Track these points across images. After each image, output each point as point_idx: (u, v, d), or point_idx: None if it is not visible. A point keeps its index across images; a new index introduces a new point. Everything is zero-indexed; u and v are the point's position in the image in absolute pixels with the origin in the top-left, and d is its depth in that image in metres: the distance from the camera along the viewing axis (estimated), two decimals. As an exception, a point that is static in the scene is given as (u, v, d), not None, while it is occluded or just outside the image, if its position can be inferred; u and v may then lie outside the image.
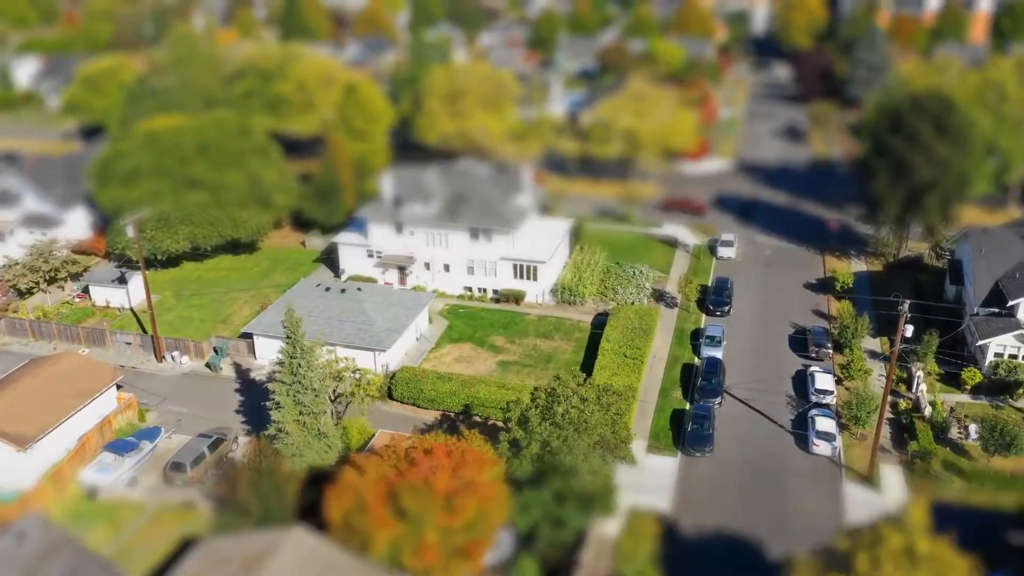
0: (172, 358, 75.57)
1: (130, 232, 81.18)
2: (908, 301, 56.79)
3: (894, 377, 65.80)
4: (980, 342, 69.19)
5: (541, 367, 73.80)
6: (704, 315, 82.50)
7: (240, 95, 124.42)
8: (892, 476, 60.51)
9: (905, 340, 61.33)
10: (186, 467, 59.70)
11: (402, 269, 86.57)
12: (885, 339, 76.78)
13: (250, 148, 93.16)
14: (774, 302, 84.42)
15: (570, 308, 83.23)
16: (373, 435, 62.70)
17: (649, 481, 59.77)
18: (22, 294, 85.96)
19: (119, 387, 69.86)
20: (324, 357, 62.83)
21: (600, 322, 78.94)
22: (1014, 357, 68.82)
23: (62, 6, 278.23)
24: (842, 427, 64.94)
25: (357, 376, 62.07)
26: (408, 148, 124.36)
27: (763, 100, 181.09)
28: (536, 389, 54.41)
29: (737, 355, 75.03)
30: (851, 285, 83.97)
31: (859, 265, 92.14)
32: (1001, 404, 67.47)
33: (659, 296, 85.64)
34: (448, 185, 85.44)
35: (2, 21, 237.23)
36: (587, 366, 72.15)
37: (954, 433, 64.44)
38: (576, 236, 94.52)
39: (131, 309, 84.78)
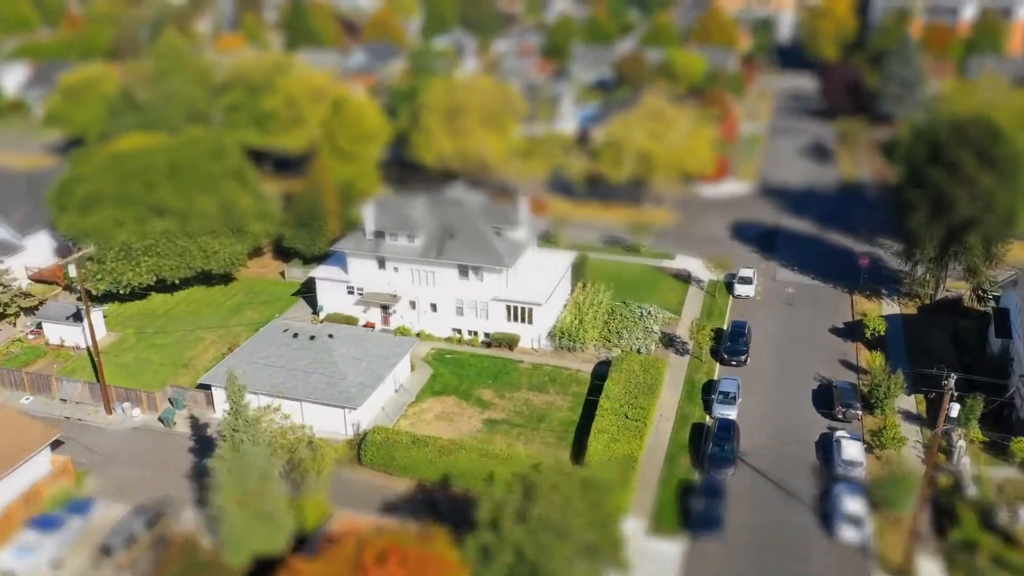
0: (123, 410, 67.91)
1: (72, 272, 73.60)
2: (954, 375, 48.11)
3: (929, 443, 57.01)
4: (1034, 410, 60.35)
5: (532, 427, 65.53)
6: (718, 364, 73.94)
7: (226, 109, 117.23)
8: (931, 570, 51.91)
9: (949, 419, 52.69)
10: (116, 550, 51.99)
11: (385, 308, 78.66)
12: (921, 397, 67.92)
13: (224, 171, 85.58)
14: (796, 350, 75.71)
15: (569, 355, 74.90)
16: (330, 515, 54.66)
17: (648, 570, 51.48)
18: (-30, 331, 78.89)
19: (60, 443, 62.53)
20: (277, 423, 55.04)
21: (602, 372, 70.67)
22: (1074, 428, 59.90)
23: (73, 7, 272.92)
24: (873, 506, 56.29)
25: (313, 448, 54.00)
26: (405, 167, 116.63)
27: (788, 114, 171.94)
28: (514, 475, 46.10)
29: (754, 414, 66.47)
30: (882, 332, 75.02)
31: (891, 307, 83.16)
32: (1059, 484, 58.59)
33: (669, 341, 77.17)
34: (436, 217, 77.43)
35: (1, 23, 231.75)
36: (585, 426, 63.97)
37: (1003, 517, 55.57)
38: (579, 271, 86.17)
39: (87, 348, 77.28)
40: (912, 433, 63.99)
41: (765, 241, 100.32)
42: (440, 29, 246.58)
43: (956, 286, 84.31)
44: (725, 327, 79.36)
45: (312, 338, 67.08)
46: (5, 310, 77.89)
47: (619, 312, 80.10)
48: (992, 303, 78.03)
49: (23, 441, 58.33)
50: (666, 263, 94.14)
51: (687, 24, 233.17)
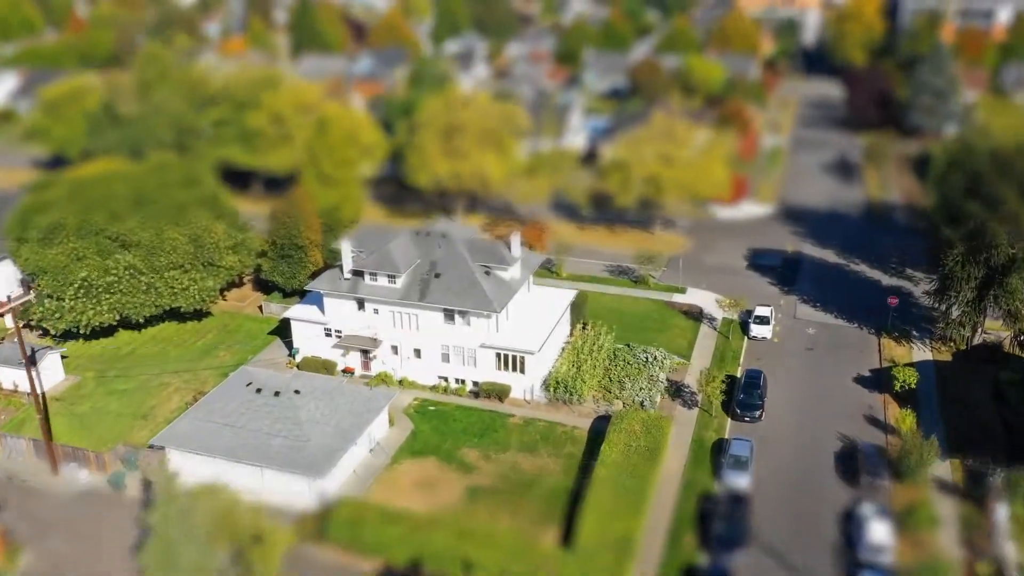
0: (70, 471, 61.63)
1: (8, 323, 67.43)
2: (1003, 472, 40.66)
3: (967, 522, 49.90)
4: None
5: (519, 496, 58.55)
6: (730, 418, 66.64)
7: (212, 125, 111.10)
8: None
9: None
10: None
11: (365, 352, 71.93)
12: (958, 463, 60.34)
13: (196, 200, 79.33)
14: (817, 403, 68.24)
15: (565, 408, 67.83)
16: (280, 614, 48.05)
17: None
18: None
19: (-3, 510, 56.55)
20: (223, 500, 48.46)
21: (600, 428, 63.69)
22: None
23: (81, 9, 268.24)
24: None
25: (260, 540, 47.34)
26: (402, 185, 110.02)
27: (811, 124, 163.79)
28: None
29: (768, 482, 59.17)
30: (913, 385, 67.36)
31: (922, 352, 75.42)
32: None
33: (676, 391, 69.97)
34: (419, 254, 70.63)
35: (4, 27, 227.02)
36: (579, 494, 57.06)
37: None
38: (579, 310, 79.10)
39: (43, 395, 71.07)
40: (947, 507, 56.43)
41: (784, 272, 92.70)
42: (452, 32, 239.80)
43: (994, 327, 76.51)
44: (739, 374, 72.08)
45: (277, 394, 60.44)
46: (-46, 353, 72.03)
47: (622, 357, 72.99)
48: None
49: (-54, 516, 52.19)
50: (676, 298, 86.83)
51: (709, 25, 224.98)
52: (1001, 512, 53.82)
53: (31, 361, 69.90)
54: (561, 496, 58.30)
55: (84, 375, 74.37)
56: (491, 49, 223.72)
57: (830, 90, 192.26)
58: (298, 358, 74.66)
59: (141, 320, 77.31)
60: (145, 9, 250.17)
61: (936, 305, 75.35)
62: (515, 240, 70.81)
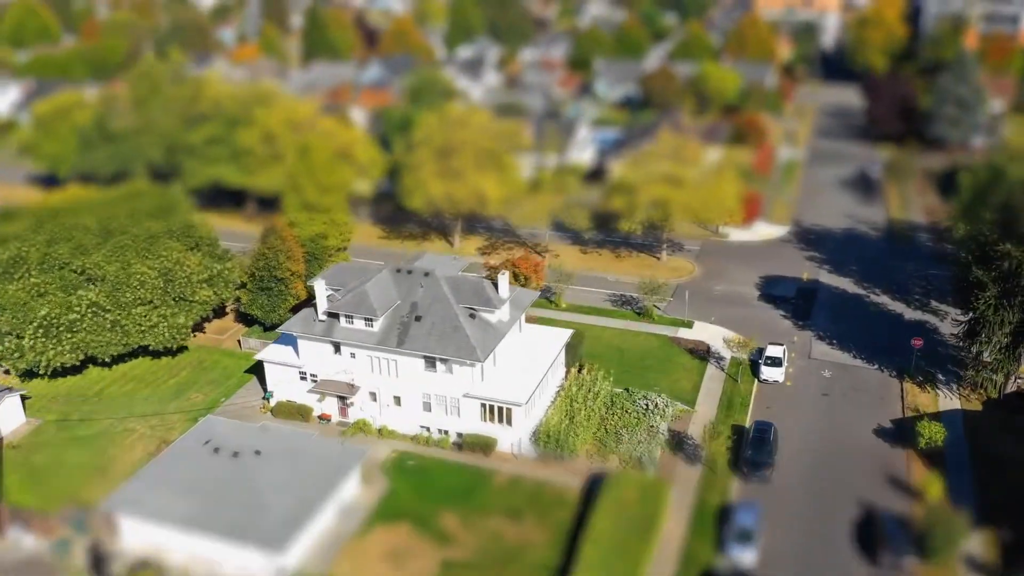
0: (15, 534, 56.71)
1: None
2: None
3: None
4: None
5: (498, 573, 53.01)
6: (736, 477, 60.85)
7: (203, 143, 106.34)
8: None
9: None
10: None
11: (342, 398, 66.68)
12: (992, 535, 54.35)
13: (168, 230, 74.39)
14: (833, 459, 62.28)
15: (555, 464, 62.22)
16: None
17: None
18: None
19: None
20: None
21: (594, 487, 58.15)
22: None
23: (102, 12, 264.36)
24: None
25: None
26: (400, 206, 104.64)
27: (830, 134, 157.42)
28: None
29: (777, 557, 53.35)
30: (940, 443, 61.29)
31: (950, 399, 69.29)
32: None
33: (678, 442, 64.27)
34: (399, 294, 65.26)
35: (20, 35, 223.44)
36: (566, 568, 51.57)
37: None
38: (575, 350, 73.53)
39: (3, 439, 66.47)
40: (979, 590, 50.60)
41: (799, 303, 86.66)
42: (466, 37, 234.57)
43: (1028, 371, 70.35)
44: (747, 423, 66.29)
45: (236, 455, 55.22)
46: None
47: (620, 403, 67.34)
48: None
49: None
50: (682, 332, 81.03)
51: (727, 28, 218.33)
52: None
53: (-12, 405, 65.35)
54: (545, 573, 52.73)
55: (46, 417, 69.50)
56: (505, 55, 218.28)
57: (849, 97, 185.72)
58: (272, 402, 69.50)
59: (107, 360, 72.40)
60: (158, 16, 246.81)
61: (965, 348, 69.20)
62: (503, 280, 65.22)
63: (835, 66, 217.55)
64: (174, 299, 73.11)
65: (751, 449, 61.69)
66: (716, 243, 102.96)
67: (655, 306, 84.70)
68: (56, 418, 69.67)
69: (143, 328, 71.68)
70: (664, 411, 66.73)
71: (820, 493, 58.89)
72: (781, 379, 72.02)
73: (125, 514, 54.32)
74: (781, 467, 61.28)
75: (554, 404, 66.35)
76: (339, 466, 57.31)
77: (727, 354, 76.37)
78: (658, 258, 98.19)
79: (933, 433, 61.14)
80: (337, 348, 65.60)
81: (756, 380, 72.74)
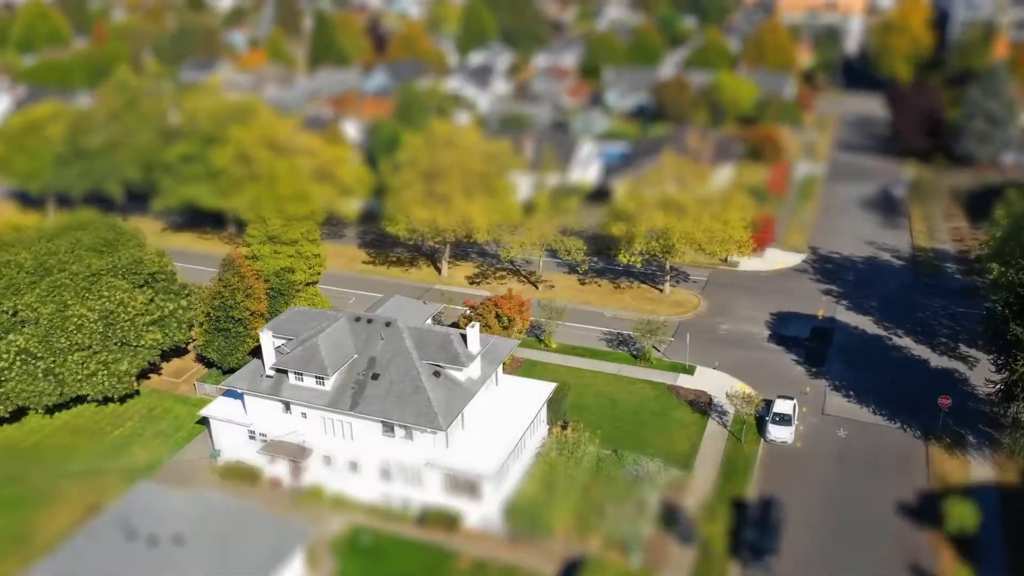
0: (-90, 624, 49.95)
1: None
2: None
3: None
4: None
5: None
6: (737, 564, 53.10)
7: (178, 160, 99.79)
8: None
9: None
10: None
11: (295, 461, 59.51)
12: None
13: (112, 267, 67.55)
14: (847, 543, 54.28)
15: (527, 546, 54.66)
16: None
17: None
18: None
19: None
20: None
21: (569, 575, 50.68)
22: None
23: (118, 13, 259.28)
24: None
25: None
26: (383, 230, 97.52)
27: (851, 148, 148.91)
28: None
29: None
30: (972, 528, 53.19)
31: (982, 467, 61.02)
32: None
33: (671, 518, 56.54)
34: (357, 346, 58.00)
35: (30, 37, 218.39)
36: None
37: None
38: (558, 405, 66.02)
39: (-84, 506, 59.79)
40: None
41: (813, 346, 78.59)
42: (479, 43, 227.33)
43: (1071, 434, 62.02)
44: (750, 492, 58.52)
45: (153, 544, 48.01)
46: None
47: (606, 468, 59.81)
48: None
49: None
50: (682, 380, 73.22)
51: (748, 32, 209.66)
52: None
53: None
54: None
55: (-31, 477, 62.89)
56: (518, 60, 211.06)
57: (872, 106, 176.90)
58: (220, 461, 62.46)
59: (41, 411, 65.70)
60: (166, 21, 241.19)
61: (1001, 411, 61.05)
62: (473, 333, 57.62)
63: (858, 74, 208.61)
64: (116, 344, 66.21)
65: (753, 531, 53.94)
66: (725, 272, 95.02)
67: (654, 348, 76.95)
68: (-18, 476, 63.05)
69: (80, 377, 64.84)
70: (656, 479, 59.06)
71: (831, 586, 51.11)
72: (790, 440, 64.08)
73: (27, 608, 47.33)
74: (787, 548, 53.45)
75: (531, 471, 58.81)
76: (278, 549, 50.00)
77: (731, 408, 68.49)
78: (661, 290, 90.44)
79: (964, 515, 53.16)
80: (287, 407, 58.45)
81: (762, 440, 64.83)
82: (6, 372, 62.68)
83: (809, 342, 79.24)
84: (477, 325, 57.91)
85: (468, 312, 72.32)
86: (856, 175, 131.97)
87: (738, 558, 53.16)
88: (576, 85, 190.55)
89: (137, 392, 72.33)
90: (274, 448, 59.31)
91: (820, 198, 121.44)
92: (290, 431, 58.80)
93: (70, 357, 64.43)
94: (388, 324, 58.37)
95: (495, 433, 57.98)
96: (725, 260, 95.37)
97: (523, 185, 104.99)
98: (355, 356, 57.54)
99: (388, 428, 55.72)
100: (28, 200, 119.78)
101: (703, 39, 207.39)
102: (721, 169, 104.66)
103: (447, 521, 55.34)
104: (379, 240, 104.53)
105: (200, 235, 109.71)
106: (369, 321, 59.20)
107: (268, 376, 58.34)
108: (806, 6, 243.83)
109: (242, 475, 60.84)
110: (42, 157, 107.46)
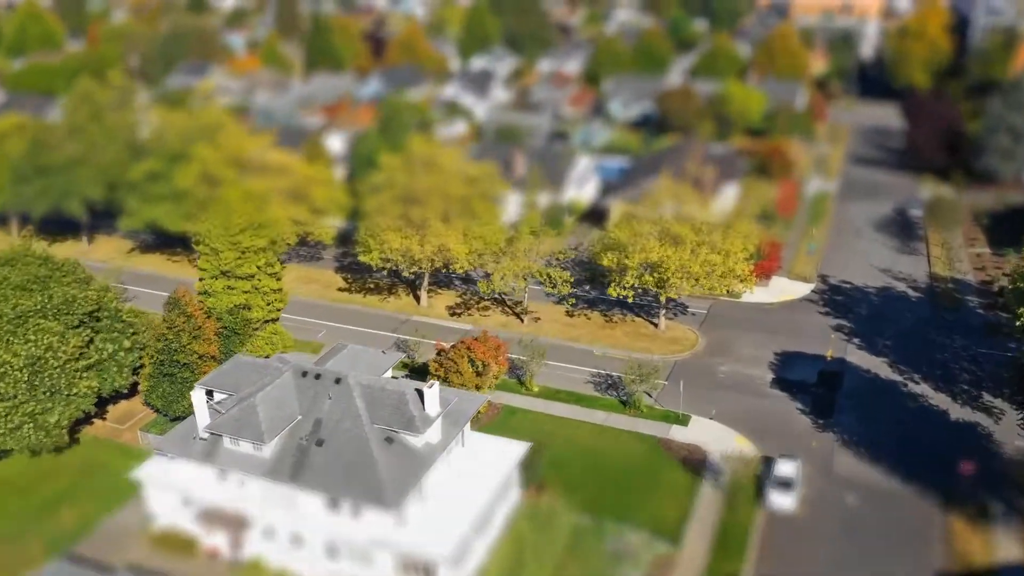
0: None
1: None
2: None
3: None
4: None
5: None
6: (727, 660, 46.39)
7: (143, 179, 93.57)
8: None
9: None
10: None
11: (234, 531, 52.99)
12: None
13: (42, 308, 61.22)
14: (855, 637, 47.56)
15: (491, 637, 48.16)
16: None
17: None
18: None
19: None
20: None
21: (536, 676, 43.93)
22: None
23: (118, 14, 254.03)
24: None
25: None
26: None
27: (865, 161, 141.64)
28: None
29: None
30: (999, 623, 46.36)
31: (1008, 544, 53.99)
32: None
33: (655, 603, 49.84)
34: (301, 406, 51.48)
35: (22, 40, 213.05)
36: None
37: None
38: (532, 467, 59.27)
39: None
40: None
41: (820, 393, 71.56)
42: (481, 47, 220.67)
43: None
44: (745, 570, 51.68)
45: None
46: None
47: (585, 542, 53.08)
48: None
49: None
50: (675, 432, 66.34)
51: (760, 35, 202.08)
52: None
53: None
54: None
55: None
56: (522, 65, 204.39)
57: (888, 116, 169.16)
58: (155, 527, 56.03)
59: (-40, 468, 59.57)
60: (160, 24, 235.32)
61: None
62: (431, 394, 50.89)
63: (873, 81, 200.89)
64: (45, 392, 59.83)
65: (746, 625, 47.13)
66: (727, 304, 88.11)
67: (646, 393, 70.11)
68: None
69: (3, 431, 58.49)
70: (639, 559, 52.29)
71: None
72: (792, 507, 57.18)
73: None
74: (785, 651, 46.64)
75: (498, 547, 52.15)
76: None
77: (727, 467, 61.50)
78: (656, 324, 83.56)
79: (989, 611, 46.22)
80: (223, 473, 51.98)
81: (761, 507, 57.93)
82: (-83, 427, 56.52)
83: (816, 388, 72.21)
84: (436, 384, 51.20)
85: (436, 357, 65.70)
86: (870, 192, 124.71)
87: (729, 658, 46.41)
88: (579, 93, 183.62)
89: (77, 441, 66.11)
90: (210, 518, 52.87)
91: (832, 218, 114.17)
92: (228, 499, 52.27)
93: (-7, 409, 58.16)
94: (338, 381, 51.79)
95: (457, 504, 51.34)
96: (728, 291, 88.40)
97: (512, 204, 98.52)
98: (299, 417, 51.06)
99: (333, 502, 49.14)
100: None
101: (711, 44, 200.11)
102: (725, 190, 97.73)
103: (399, 608, 48.81)
104: (357, 265, 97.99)
105: (170, 257, 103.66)
106: (317, 376, 52.66)
107: (202, 439, 51.86)
108: (821, 8, 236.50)
109: (177, 544, 54.52)
110: (1, 173, 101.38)
